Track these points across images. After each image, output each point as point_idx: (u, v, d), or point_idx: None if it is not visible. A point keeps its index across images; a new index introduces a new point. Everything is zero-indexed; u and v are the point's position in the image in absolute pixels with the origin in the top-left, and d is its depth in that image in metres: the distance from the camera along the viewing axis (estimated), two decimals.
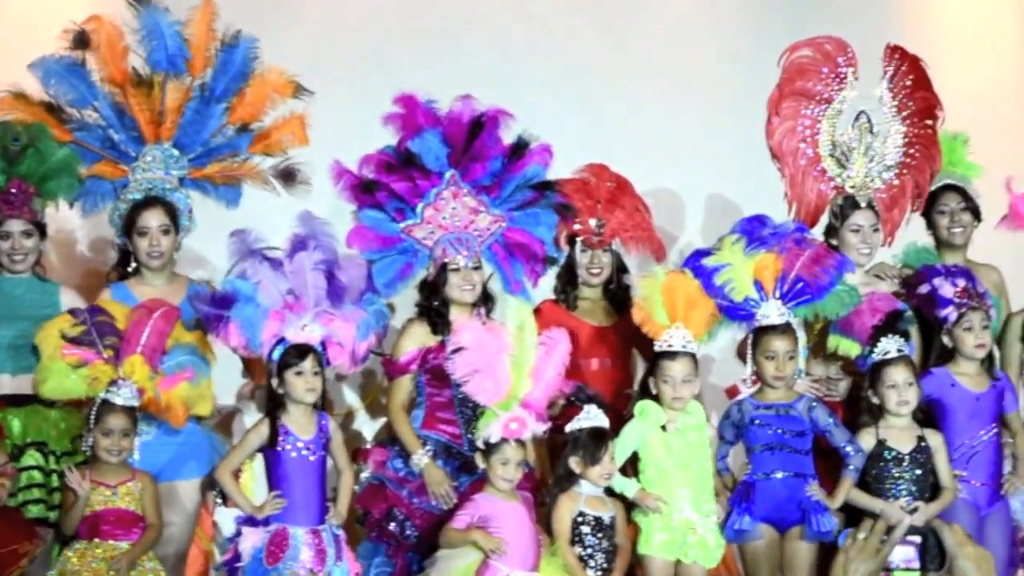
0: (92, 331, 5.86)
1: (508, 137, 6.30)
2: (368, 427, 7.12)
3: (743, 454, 6.04)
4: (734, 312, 6.00)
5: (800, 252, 6.05)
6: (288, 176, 6.47)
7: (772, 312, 5.98)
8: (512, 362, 5.71)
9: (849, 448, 5.87)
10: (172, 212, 6.26)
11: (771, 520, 5.88)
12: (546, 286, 6.47)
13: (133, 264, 6.27)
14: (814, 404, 5.95)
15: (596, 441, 5.67)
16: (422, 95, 6.21)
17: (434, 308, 6.09)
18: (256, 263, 5.91)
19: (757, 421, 5.93)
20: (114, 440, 5.78)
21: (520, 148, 6.26)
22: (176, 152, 6.41)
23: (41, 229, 6.22)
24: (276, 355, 5.79)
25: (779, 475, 5.88)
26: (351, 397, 7.14)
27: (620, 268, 6.52)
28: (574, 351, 6.01)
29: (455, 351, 5.72)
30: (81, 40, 6.33)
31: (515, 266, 6.26)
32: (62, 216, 6.56)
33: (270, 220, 6.21)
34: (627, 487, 5.78)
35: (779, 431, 5.90)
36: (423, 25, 7.84)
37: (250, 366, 6.43)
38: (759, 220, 6.23)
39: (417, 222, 6.18)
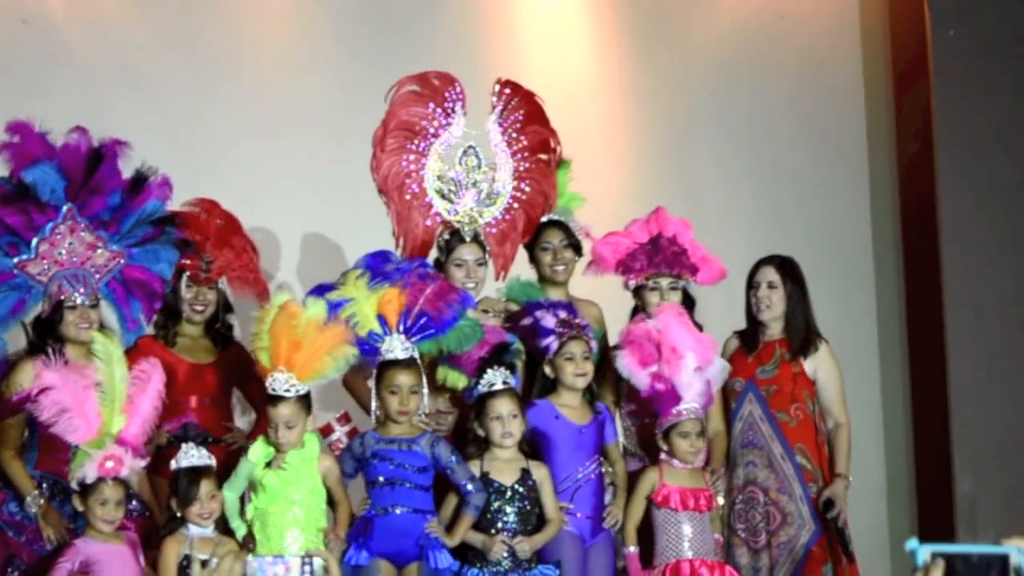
0: None
1: (126, 171, 6.33)
2: None
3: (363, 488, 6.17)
4: (358, 347, 6.10)
5: (424, 287, 6.24)
6: None
7: (396, 346, 6.15)
8: (102, 398, 5.73)
9: (470, 486, 6.07)
10: None
11: (389, 556, 6.03)
12: None
13: None
14: (437, 440, 6.12)
15: (190, 480, 5.76)
16: (36, 124, 6.19)
17: (48, 346, 6.06)
18: None
19: (379, 455, 6.08)
20: None
21: (139, 182, 6.34)
22: None
23: None
24: None
25: (399, 510, 6.04)
26: None
27: (225, 306, 6.70)
28: (173, 388, 6.17)
29: (40, 392, 5.71)
30: None
31: (133, 304, 6.34)
32: None
33: None
34: (238, 530, 5.92)
35: (401, 466, 6.06)
36: (6, 61, 7.79)
37: None
38: (383, 255, 6.42)
39: (31, 257, 6.20)
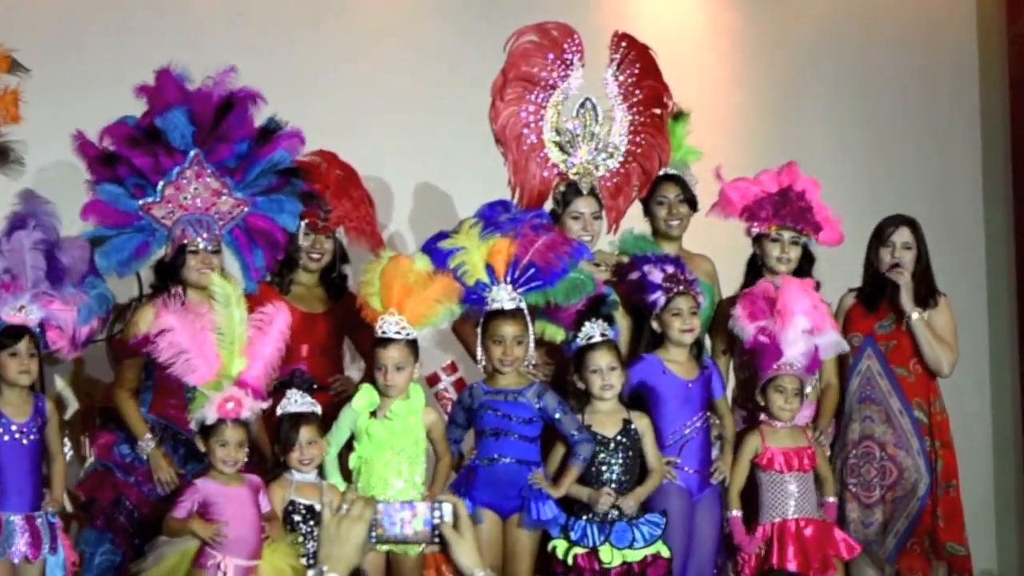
0: None
1: (257, 120, 6.34)
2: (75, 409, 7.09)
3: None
4: (466, 296, 6.11)
5: (535, 238, 6.21)
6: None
7: (503, 297, 6.14)
8: (220, 340, 5.76)
9: (577, 437, 6.08)
10: None
11: (493, 506, 6.06)
12: None
13: None
14: (544, 391, 6.13)
15: (291, 426, 5.81)
16: (177, 69, 6.21)
17: (169, 290, 6.07)
18: None
19: (486, 406, 6.09)
20: None
21: (269, 132, 6.36)
22: None
23: None
24: None
25: (504, 461, 6.06)
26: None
27: (341, 256, 6.71)
28: None
29: (158, 333, 5.73)
30: None
31: (256, 253, 6.37)
32: None
33: None
34: (330, 475, 5.98)
35: (507, 417, 6.07)
36: (120, 14, 7.76)
37: None
38: (502, 204, 6.44)
39: (156, 200, 6.25)
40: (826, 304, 6.72)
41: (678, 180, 6.97)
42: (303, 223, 6.58)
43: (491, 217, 6.37)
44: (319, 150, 6.71)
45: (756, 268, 6.91)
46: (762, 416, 6.56)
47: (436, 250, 6.21)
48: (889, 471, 6.88)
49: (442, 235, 6.31)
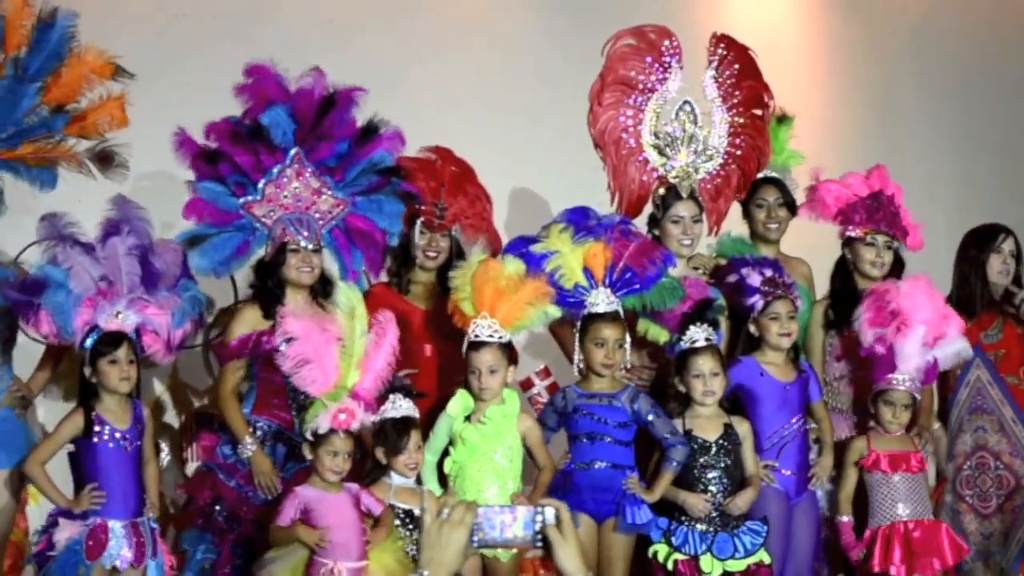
0: None
1: (359, 119, 6.28)
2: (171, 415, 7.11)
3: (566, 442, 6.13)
4: (563, 299, 6.08)
5: (627, 243, 6.18)
6: (105, 159, 6.25)
7: (601, 300, 6.10)
8: (341, 352, 5.74)
9: (671, 440, 6.02)
10: None
11: (589, 510, 5.99)
12: None
13: None
14: (638, 394, 6.07)
15: (399, 431, 5.75)
16: (273, 66, 6.15)
17: (268, 290, 6.10)
18: (67, 248, 5.90)
19: (581, 410, 6.04)
20: None
21: (370, 131, 6.29)
22: None
23: None
24: (89, 343, 5.82)
25: (598, 465, 6.01)
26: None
27: (458, 254, 6.55)
28: (407, 336, 6.10)
29: (284, 341, 5.73)
30: None
31: (355, 253, 6.31)
32: None
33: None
34: (428, 481, 5.95)
35: (602, 420, 6.01)
36: (213, 23, 7.77)
37: (48, 354, 6.35)
38: (583, 211, 6.36)
39: (257, 199, 6.20)
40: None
41: (778, 183, 6.91)
42: (419, 222, 6.50)
43: (579, 222, 6.32)
44: (435, 146, 6.66)
45: (846, 271, 6.83)
46: (871, 422, 6.49)
47: (527, 253, 6.17)
48: (1006, 480, 6.82)
49: (525, 239, 6.27)
